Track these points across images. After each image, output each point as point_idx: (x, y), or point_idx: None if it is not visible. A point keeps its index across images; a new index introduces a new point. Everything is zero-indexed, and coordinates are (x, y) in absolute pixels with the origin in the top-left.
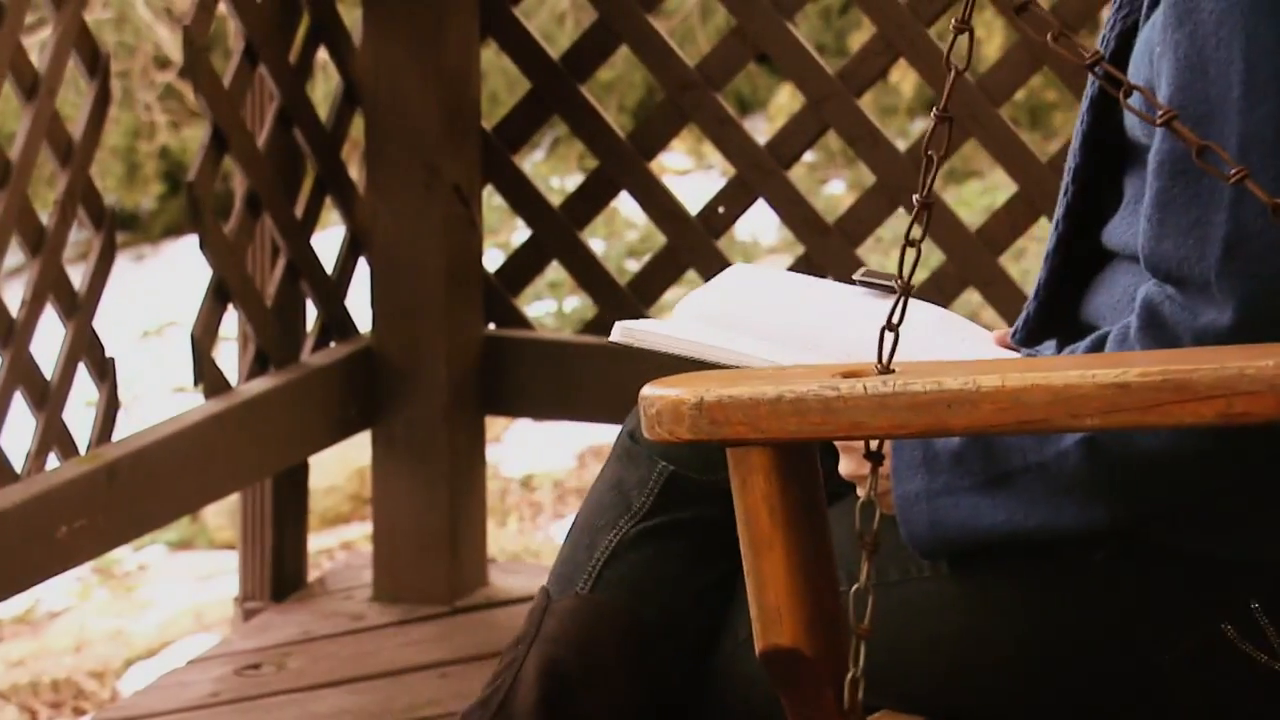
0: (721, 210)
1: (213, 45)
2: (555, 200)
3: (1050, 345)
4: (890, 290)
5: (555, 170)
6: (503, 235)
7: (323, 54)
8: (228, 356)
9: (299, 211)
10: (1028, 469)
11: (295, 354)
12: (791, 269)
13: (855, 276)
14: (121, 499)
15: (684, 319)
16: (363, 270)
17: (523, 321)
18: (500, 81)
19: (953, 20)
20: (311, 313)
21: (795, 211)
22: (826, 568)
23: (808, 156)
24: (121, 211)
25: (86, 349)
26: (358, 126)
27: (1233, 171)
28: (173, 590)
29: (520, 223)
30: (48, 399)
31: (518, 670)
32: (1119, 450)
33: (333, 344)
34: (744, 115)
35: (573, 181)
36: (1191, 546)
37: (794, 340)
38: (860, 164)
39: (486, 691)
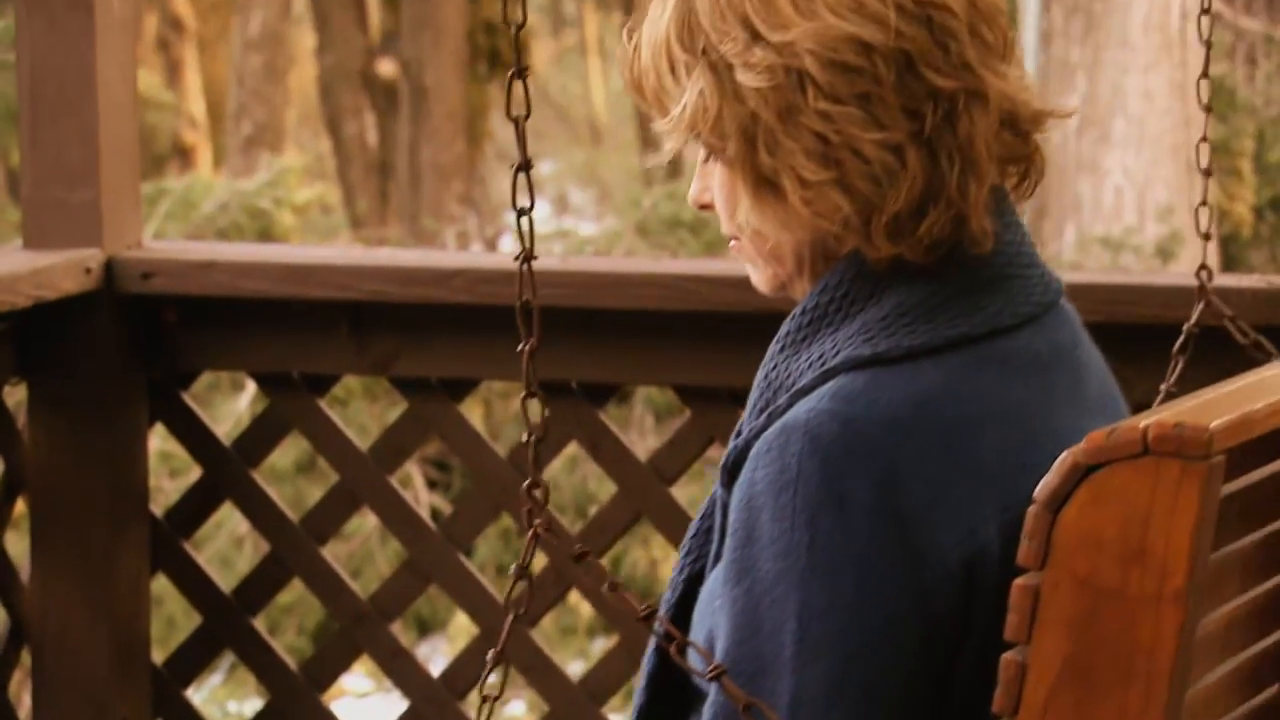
0: None
1: None
2: None
3: None
4: None
5: (234, 694)
6: None
7: None
8: None
9: None
10: None
11: None
12: None
13: None
14: None
15: None
16: None
17: None
18: (177, 606)
19: (513, 566)
20: None
21: None
22: None
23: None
24: None
25: None
26: (26, 662)
27: None
28: None
29: None
30: None
31: None
32: None
33: None
34: (424, 636)
35: (251, 706)
36: None
37: None
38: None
39: None
